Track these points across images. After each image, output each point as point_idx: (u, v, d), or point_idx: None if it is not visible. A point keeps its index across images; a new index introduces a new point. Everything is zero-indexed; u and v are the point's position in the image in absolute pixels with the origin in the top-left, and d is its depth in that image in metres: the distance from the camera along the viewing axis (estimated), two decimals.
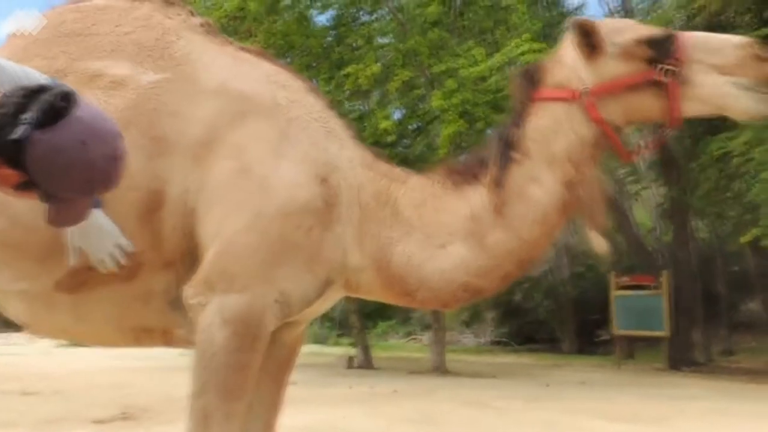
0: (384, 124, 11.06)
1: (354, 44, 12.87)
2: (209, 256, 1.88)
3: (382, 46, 13.19)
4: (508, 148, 2.06)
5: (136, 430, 5.95)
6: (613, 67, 1.99)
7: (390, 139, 11.61)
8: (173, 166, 1.91)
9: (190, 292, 1.88)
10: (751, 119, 1.99)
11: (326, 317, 21.73)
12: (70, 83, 1.62)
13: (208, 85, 2.01)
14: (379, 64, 11.81)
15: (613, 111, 2.00)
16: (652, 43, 1.96)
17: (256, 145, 1.95)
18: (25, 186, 1.32)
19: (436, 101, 10.91)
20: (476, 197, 2.07)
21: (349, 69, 11.49)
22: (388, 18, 13.50)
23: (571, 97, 2.02)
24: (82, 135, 1.29)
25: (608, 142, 2.04)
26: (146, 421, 6.44)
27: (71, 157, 1.28)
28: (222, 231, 1.87)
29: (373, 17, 13.71)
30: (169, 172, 1.90)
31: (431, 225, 2.06)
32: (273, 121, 2.00)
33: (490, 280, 2.06)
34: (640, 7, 16.92)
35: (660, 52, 1.94)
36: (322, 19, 13.43)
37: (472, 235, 2.04)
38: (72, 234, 1.80)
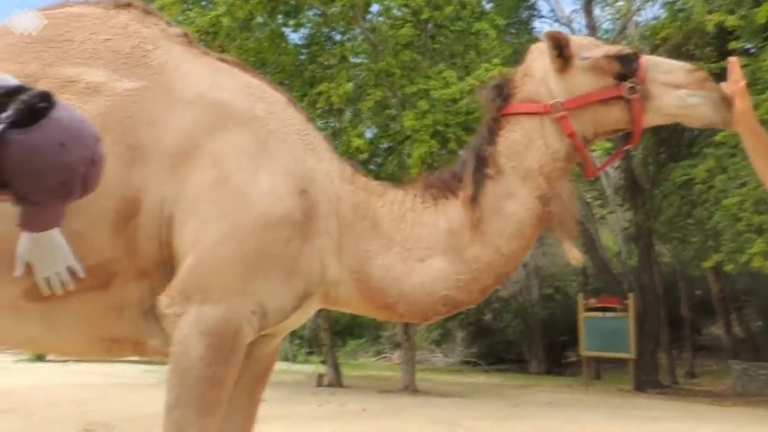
0: (357, 142, 11.10)
1: (327, 63, 12.93)
2: (186, 266, 1.85)
3: (354, 66, 13.28)
4: (482, 164, 2.09)
5: None
6: (582, 81, 2.06)
7: (362, 157, 11.64)
8: (149, 174, 1.88)
9: (165, 302, 1.85)
10: (706, 126, 2.12)
11: (295, 335, 21.51)
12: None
13: (186, 95, 2.00)
14: (351, 84, 11.88)
15: (584, 124, 2.07)
16: (621, 59, 2.05)
17: (234, 156, 1.94)
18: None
19: (408, 121, 11.00)
20: (454, 212, 2.09)
21: (321, 87, 11.52)
22: (360, 38, 13.61)
23: (543, 111, 2.07)
24: (60, 137, 1.27)
25: (578, 155, 2.10)
26: None
27: (48, 159, 1.25)
28: (199, 241, 1.85)
29: (346, 37, 13.80)
30: (144, 180, 1.87)
31: (410, 238, 2.07)
32: (252, 132, 2.00)
33: (469, 293, 2.08)
34: (605, 37, 17.43)
35: (627, 68, 2.04)
36: (295, 37, 13.49)
37: (450, 249, 2.06)
38: (23, 245, 1.74)
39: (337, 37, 13.70)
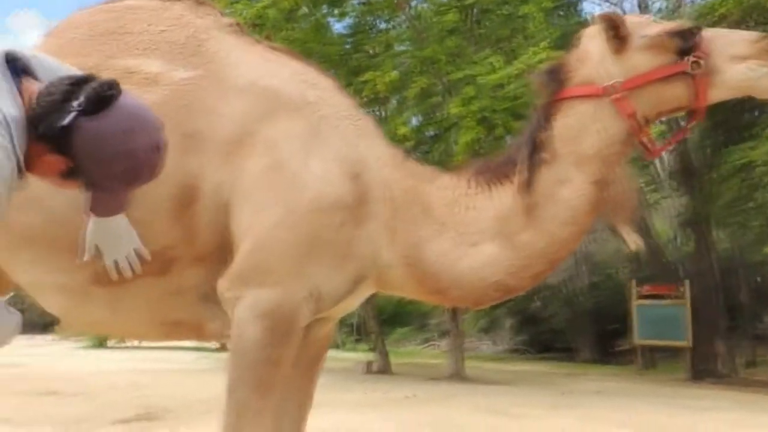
0: (402, 130, 11.05)
1: (371, 51, 12.93)
2: (242, 250, 1.89)
3: (399, 54, 13.23)
4: (536, 149, 2.06)
5: (159, 431, 6.00)
6: (641, 60, 2.00)
7: (408, 145, 11.62)
8: (206, 161, 1.93)
9: (224, 285, 1.90)
10: None
11: (343, 322, 21.73)
12: None
13: (239, 83, 2.04)
14: (396, 72, 11.84)
15: (643, 104, 2.02)
16: (681, 34, 1.99)
17: (287, 142, 1.97)
18: (69, 174, 1.35)
19: (454, 108, 10.90)
20: (507, 197, 2.07)
21: (366, 76, 11.52)
22: (405, 26, 13.54)
23: (601, 93, 2.02)
24: (126, 124, 1.32)
25: (637, 138, 2.05)
26: (169, 421, 6.48)
27: (116, 146, 1.31)
28: (254, 226, 1.89)
29: (391, 25, 13.76)
30: (201, 167, 1.93)
31: (462, 224, 2.06)
32: (304, 118, 2.02)
33: (521, 279, 2.06)
34: (659, 16, 16.84)
35: (688, 43, 1.98)
36: (339, 26, 13.54)
37: (502, 234, 2.04)
38: (90, 231, 1.83)
39: (382, 26, 13.68)
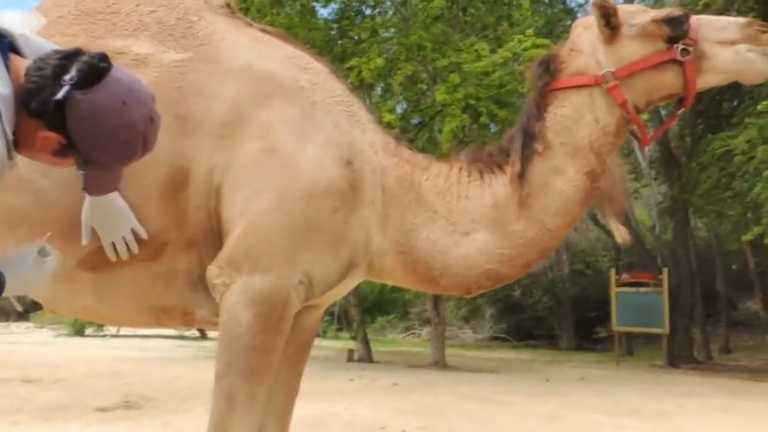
0: (388, 118, 11.00)
1: (357, 37, 12.84)
2: (234, 236, 1.86)
3: (385, 40, 13.14)
4: (530, 140, 2.07)
5: (139, 420, 5.94)
6: (632, 49, 2.02)
7: (393, 132, 11.57)
8: (198, 145, 1.89)
9: (214, 272, 1.86)
10: (765, 79, 2.06)
11: (325, 311, 21.71)
12: None
13: (232, 65, 2.00)
14: (382, 58, 11.77)
15: (636, 92, 2.04)
16: (670, 22, 2.00)
17: (281, 127, 1.94)
18: (63, 151, 1.30)
19: (440, 95, 10.88)
20: (499, 187, 2.08)
21: (352, 62, 11.45)
22: (391, 12, 13.46)
23: (593, 83, 2.03)
24: (122, 95, 1.28)
25: (630, 126, 2.06)
26: (149, 410, 6.42)
27: (113, 117, 1.27)
28: (247, 211, 1.86)
29: (377, 11, 13.67)
30: (194, 150, 1.88)
31: (455, 212, 2.06)
32: (297, 103, 1.99)
33: (513, 268, 2.07)
34: (644, 5, 16.93)
35: (678, 30, 2.00)
36: (325, 12, 13.41)
37: (496, 223, 2.05)
38: (87, 212, 1.79)
39: (368, 12, 13.58)
